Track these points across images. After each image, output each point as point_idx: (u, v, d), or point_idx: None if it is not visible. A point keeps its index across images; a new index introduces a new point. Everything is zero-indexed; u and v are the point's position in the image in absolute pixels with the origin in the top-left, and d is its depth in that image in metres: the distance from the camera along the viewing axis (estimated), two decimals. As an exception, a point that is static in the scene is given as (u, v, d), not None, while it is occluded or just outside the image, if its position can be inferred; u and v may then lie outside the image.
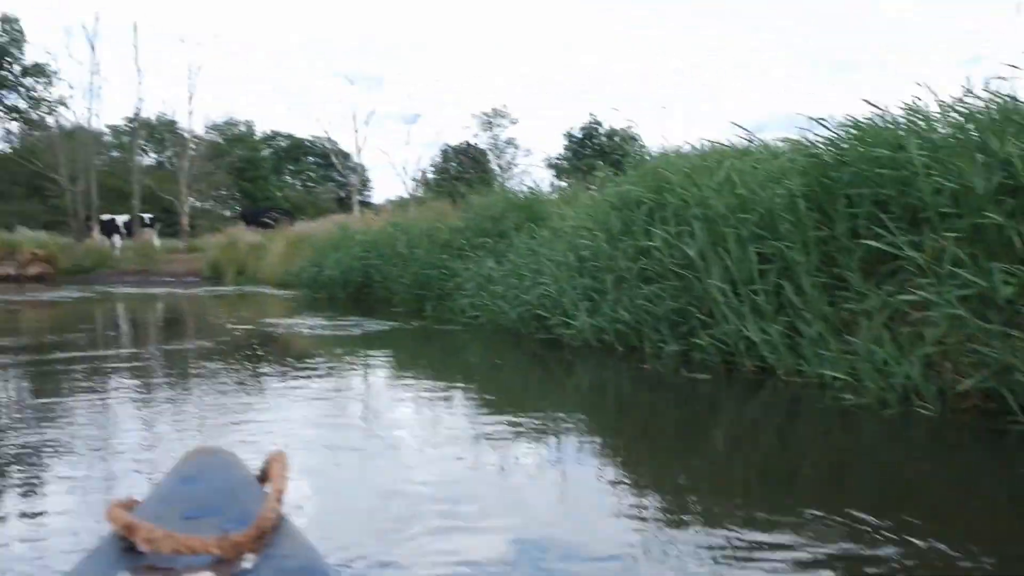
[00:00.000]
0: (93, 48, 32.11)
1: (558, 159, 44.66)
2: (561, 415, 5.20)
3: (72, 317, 15.66)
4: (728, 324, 6.27)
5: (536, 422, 4.85)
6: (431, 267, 12.33)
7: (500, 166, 51.82)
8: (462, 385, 6.55)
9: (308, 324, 11.81)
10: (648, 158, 9.15)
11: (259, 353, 8.77)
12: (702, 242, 6.62)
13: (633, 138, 43.28)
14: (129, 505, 1.31)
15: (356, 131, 35.06)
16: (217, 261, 27.33)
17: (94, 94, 32.18)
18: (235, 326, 11.93)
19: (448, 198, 16.56)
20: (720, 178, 6.79)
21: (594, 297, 8.01)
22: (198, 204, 51.94)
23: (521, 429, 4.62)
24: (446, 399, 5.88)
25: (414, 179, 36.75)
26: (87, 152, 32.49)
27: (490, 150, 54.24)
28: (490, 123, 54.48)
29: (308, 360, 8.20)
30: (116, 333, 11.63)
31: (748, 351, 6.14)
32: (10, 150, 57.25)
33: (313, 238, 19.80)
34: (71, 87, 34.29)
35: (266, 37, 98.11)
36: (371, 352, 8.84)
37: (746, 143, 7.48)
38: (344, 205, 57.05)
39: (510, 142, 54.00)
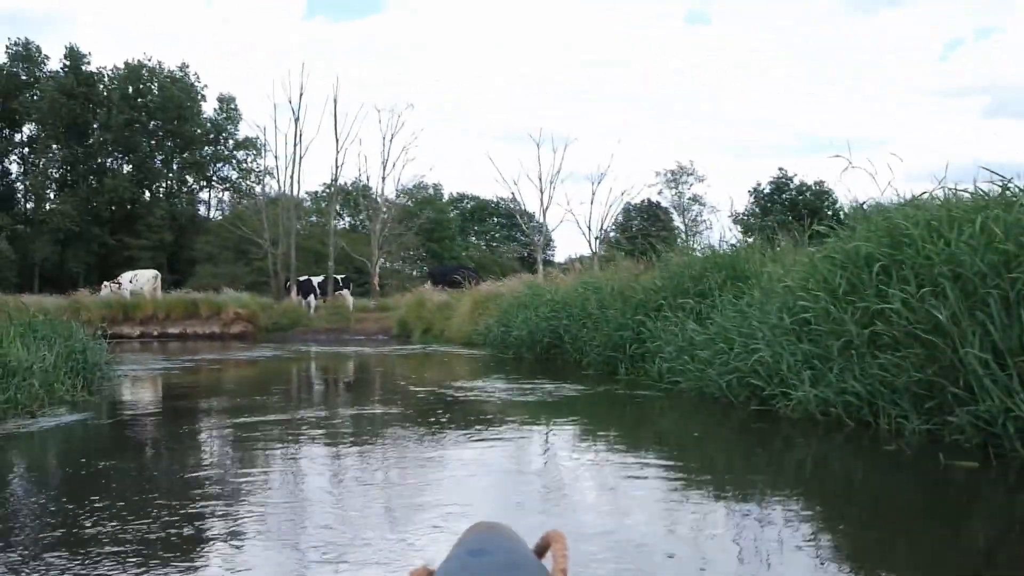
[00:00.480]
0: (297, 120, 33.28)
1: (745, 215, 43.22)
2: (780, 497, 4.38)
3: (268, 377, 15.74)
4: (992, 400, 5.23)
5: (754, 506, 4.04)
6: (625, 328, 11.57)
7: (685, 224, 50.78)
8: (665, 459, 5.81)
9: (495, 387, 11.27)
10: (877, 211, 8.07)
11: (447, 419, 8.26)
12: (955, 305, 5.62)
13: (826, 192, 41.55)
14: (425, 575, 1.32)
15: (541, 191, 34.85)
16: (405, 320, 27.46)
17: (296, 163, 33.07)
18: (422, 388, 11.55)
19: (631, 256, 15.78)
20: (975, 231, 5.77)
21: (817, 365, 7.07)
22: (388, 264, 53.17)
23: (743, 512, 3.83)
24: (646, 474, 5.18)
25: (598, 238, 36.29)
26: (287, 217, 33.58)
27: (674, 207, 53.29)
28: (675, 180, 53.60)
29: (497, 428, 7.64)
30: (309, 395, 11.43)
31: (1020, 433, 5.10)
32: (221, 217, 60.61)
33: (500, 297, 19.42)
34: (275, 156, 35.82)
35: (455, 102, 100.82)
36: (562, 419, 8.20)
37: (1000, 190, 6.40)
38: (527, 264, 57.40)
39: (696, 199, 52.98)
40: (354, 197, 49.93)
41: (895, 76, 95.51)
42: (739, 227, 37.47)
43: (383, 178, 34.41)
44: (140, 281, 31.48)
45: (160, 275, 32.69)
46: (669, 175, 53.63)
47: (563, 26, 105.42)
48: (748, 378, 7.79)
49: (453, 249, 67.84)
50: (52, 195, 61.76)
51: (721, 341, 8.58)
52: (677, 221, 53.38)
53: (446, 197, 74.55)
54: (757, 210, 45.95)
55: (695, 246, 16.20)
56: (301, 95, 33.35)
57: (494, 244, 77.67)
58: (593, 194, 35.56)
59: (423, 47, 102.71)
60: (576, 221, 35.57)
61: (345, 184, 47.22)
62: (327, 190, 35.40)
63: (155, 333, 29.40)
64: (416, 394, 10.85)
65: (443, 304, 25.38)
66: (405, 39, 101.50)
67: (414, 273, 62.66)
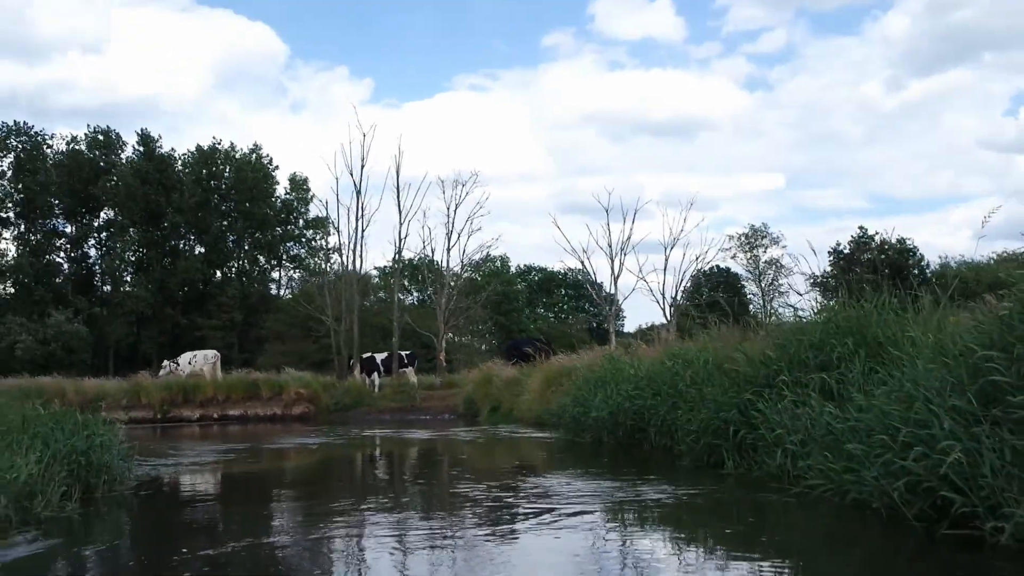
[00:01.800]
0: (358, 193, 31.87)
1: (824, 277, 40.49)
2: None
3: (323, 470, 13.76)
4: None
5: None
6: (728, 409, 9.32)
7: (762, 289, 48.12)
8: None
9: (572, 486, 9.16)
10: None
11: (521, 534, 6.12)
12: None
13: (910, 250, 38.79)
14: None
15: (612, 259, 32.78)
16: (472, 398, 25.43)
17: (359, 237, 31.56)
18: (487, 484, 9.45)
19: (703, 326, 13.57)
20: None
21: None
22: (456, 339, 51.27)
23: None
24: None
25: (672, 306, 34.03)
26: (350, 293, 31.95)
27: (748, 272, 50.66)
28: (749, 244, 51.06)
29: (577, 553, 5.51)
30: (367, 502, 9.32)
31: None
32: (291, 296, 59.63)
33: (574, 372, 17.22)
34: (336, 229, 34.43)
35: (520, 173, 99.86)
36: (665, 534, 6.04)
37: None
38: (597, 335, 55.21)
39: (772, 263, 50.23)
40: (420, 271, 48.45)
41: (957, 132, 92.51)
42: (818, 289, 34.72)
43: (448, 250, 32.67)
44: (199, 362, 29.96)
45: (220, 355, 31.14)
46: (743, 239, 51.11)
47: (624, 94, 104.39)
48: (929, 484, 5.51)
49: (521, 322, 65.91)
50: (128, 277, 61.49)
51: (877, 430, 6.29)
52: (752, 287, 50.82)
53: (513, 270, 72.84)
54: (835, 272, 43.16)
55: (775, 312, 13.94)
56: (363, 166, 31.90)
57: (563, 316, 75.55)
58: (666, 260, 33.40)
59: (487, 122, 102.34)
60: (650, 289, 33.05)
61: (411, 259, 45.86)
62: (393, 266, 33.47)
63: (215, 416, 27.72)
64: (479, 495, 8.80)
65: (512, 380, 23.28)
66: (469, 115, 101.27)
67: (482, 347, 60.77)
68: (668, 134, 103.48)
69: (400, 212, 31.93)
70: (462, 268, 33.16)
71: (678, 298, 34.56)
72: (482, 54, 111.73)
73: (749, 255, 50.39)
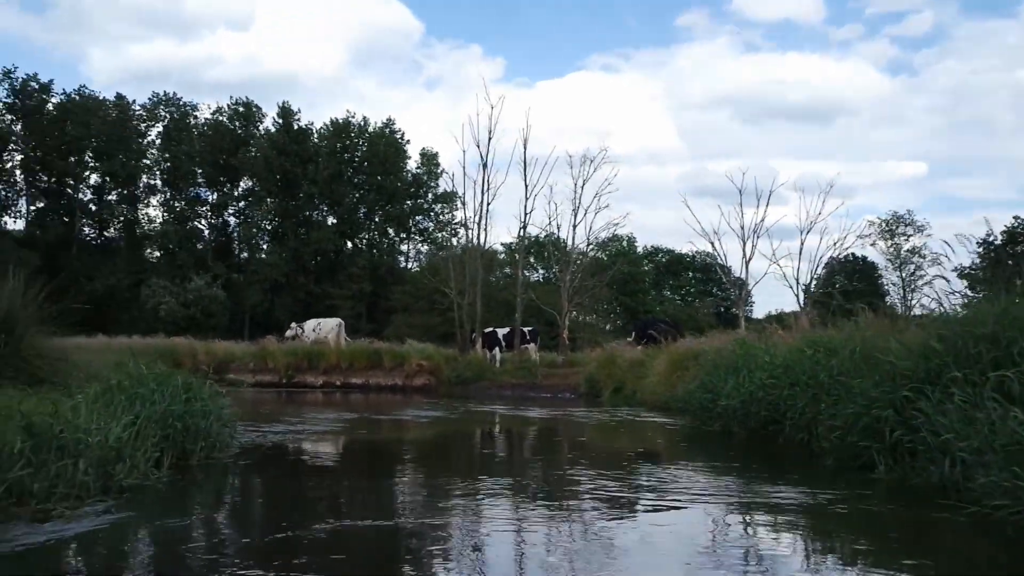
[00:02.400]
0: (485, 166, 31.26)
1: (972, 269, 37.80)
2: None
3: (440, 444, 13.18)
4: None
5: None
6: (882, 406, 8.16)
7: (902, 279, 45.35)
8: None
9: (697, 479, 8.30)
10: None
11: (640, 526, 5.24)
12: None
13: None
14: None
15: (744, 242, 31.31)
16: (595, 377, 24.52)
17: (484, 211, 30.95)
18: (606, 473, 8.59)
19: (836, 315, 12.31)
20: None
21: None
22: (580, 318, 50.38)
23: None
24: None
25: (806, 293, 32.33)
26: (474, 267, 31.42)
27: (889, 260, 47.85)
28: (890, 231, 48.26)
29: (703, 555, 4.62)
30: (477, 479, 8.61)
31: None
32: (418, 269, 59.88)
33: (702, 356, 16.12)
34: (463, 204, 33.78)
35: (650, 154, 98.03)
36: (801, 550, 5.08)
37: None
38: (725, 320, 53.41)
39: (915, 251, 47.25)
40: (546, 248, 47.71)
41: None
42: (965, 281, 32.32)
43: (573, 226, 31.76)
44: (324, 329, 29.99)
45: (344, 323, 31.11)
46: (884, 225, 48.30)
47: (763, 74, 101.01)
48: None
49: (647, 303, 64.61)
50: (264, 245, 62.85)
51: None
52: (892, 276, 48.00)
53: (640, 251, 71.38)
54: (984, 264, 40.17)
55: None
56: (490, 139, 31.22)
57: (690, 299, 73.75)
58: (801, 245, 31.69)
59: (618, 102, 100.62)
60: (783, 274, 31.43)
61: (537, 235, 45.09)
62: (518, 242, 32.73)
63: (338, 383, 27.67)
64: (599, 482, 7.98)
65: (636, 362, 22.27)
66: (601, 95, 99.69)
67: (607, 327, 59.74)
68: (804, 119, 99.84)
69: (527, 187, 31.20)
70: (588, 245, 32.20)
71: (811, 286, 32.82)
72: (616, 33, 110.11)
73: (890, 243, 47.61)
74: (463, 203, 33.53)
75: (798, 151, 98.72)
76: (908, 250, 46.82)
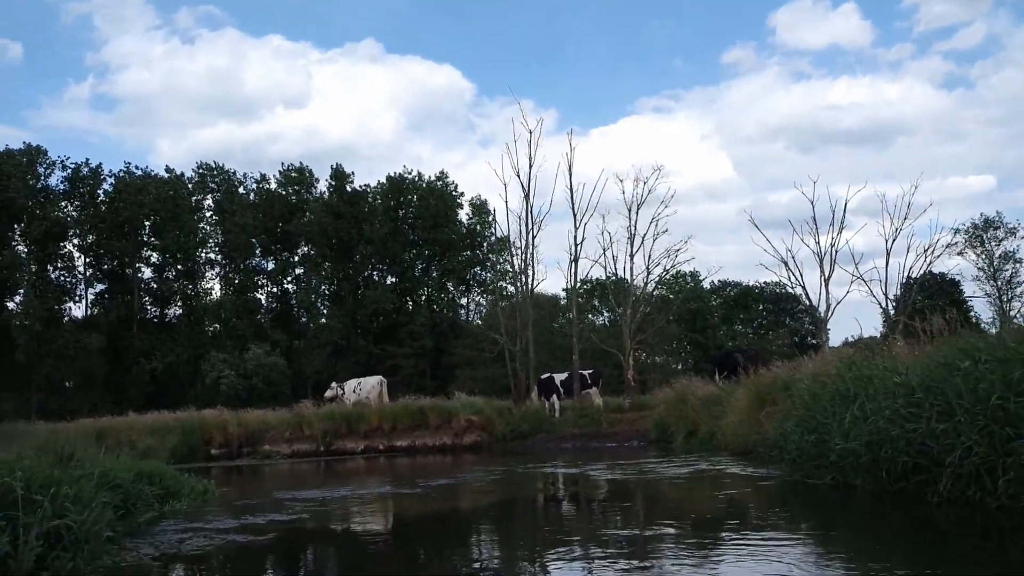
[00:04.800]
0: (527, 197, 27.87)
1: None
2: None
3: (484, 526, 9.63)
4: None
5: None
6: None
7: (998, 286, 40.36)
8: None
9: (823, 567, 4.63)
10: None
11: None
12: None
13: None
14: None
15: (821, 267, 27.42)
16: (664, 421, 20.79)
17: (530, 244, 27.55)
18: (691, 553, 5.03)
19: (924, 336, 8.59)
20: None
21: None
22: (647, 359, 46.53)
23: None
24: None
25: (890, 314, 28.22)
26: (523, 311, 27.91)
27: (981, 269, 42.84)
28: (980, 238, 43.30)
29: None
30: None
31: None
32: (479, 322, 56.65)
33: (795, 385, 12.30)
34: (509, 242, 30.50)
35: (707, 192, 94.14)
36: None
37: None
38: (802, 350, 48.73)
39: (1008, 256, 42.19)
40: (607, 289, 44.04)
41: None
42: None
43: (631, 255, 28.02)
44: (364, 389, 26.71)
45: (386, 381, 27.75)
46: (971, 231, 43.38)
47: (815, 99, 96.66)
48: None
49: (717, 339, 60.26)
50: (324, 310, 60.31)
51: None
52: (982, 287, 42.97)
53: (706, 286, 67.04)
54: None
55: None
56: (531, 165, 27.91)
57: (762, 331, 68.96)
58: (887, 261, 27.67)
59: (672, 143, 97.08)
60: (870, 292, 27.46)
61: (598, 279, 41.55)
62: (569, 269, 28.92)
63: (380, 447, 24.33)
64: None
65: (710, 399, 18.50)
66: (654, 137, 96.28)
67: (678, 367, 55.60)
68: (862, 141, 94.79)
69: (574, 215, 27.73)
70: (647, 273, 28.37)
71: (890, 307, 28.75)
72: (664, 76, 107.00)
73: (979, 250, 42.54)
74: (507, 240, 30.12)
75: (858, 175, 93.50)
76: (1001, 256, 41.87)
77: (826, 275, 27.80)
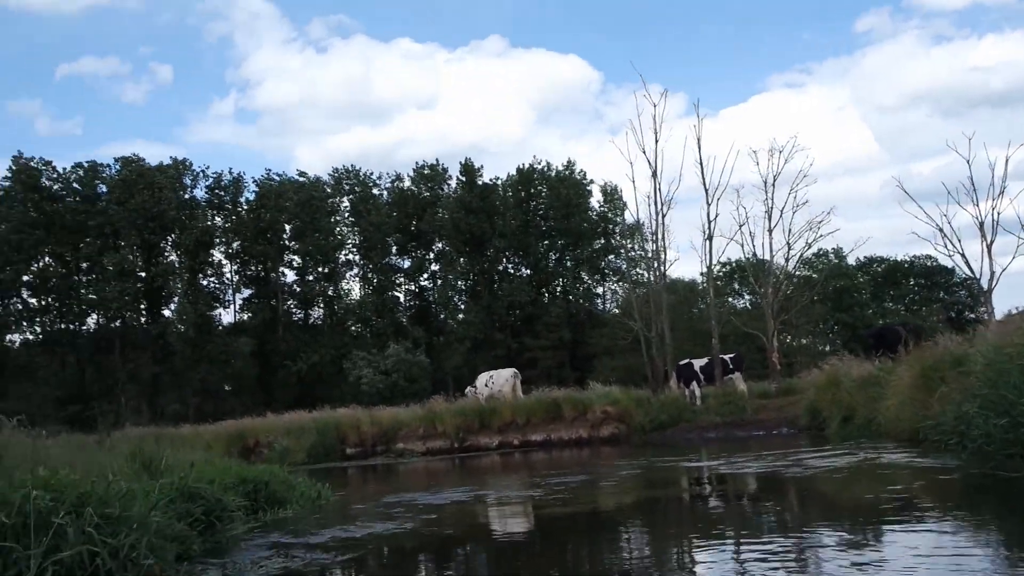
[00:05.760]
0: (654, 175, 26.27)
1: None
2: None
3: (624, 533, 8.42)
4: None
5: None
6: None
7: None
8: None
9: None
10: None
11: None
12: None
13: None
14: None
15: (983, 235, 24.70)
16: (816, 406, 18.96)
17: (661, 225, 25.94)
18: None
19: None
20: None
21: None
22: (792, 341, 44.09)
23: None
24: None
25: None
26: (656, 294, 26.37)
27: None
28: None
29: None
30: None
31: None
32: (617, 310, 55.15)
33: (968, 361, 10.49)
34: (638, 224, 28.92)
35: (847, 166, 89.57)
36: None
37: None
38: (957, 326, 44.98)
39: None
40: (749, 270, 41.80)
41: None
42: None
43: (769, 230, 26.05)
44: (497, 382, 25.71)
45: (519, 373, 26.70)
46: None
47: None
48: None
49: (867, 318, 56.73)
50: (461, 305, 60.10)
51: None
52: None
53: (852, 263, 63.32)
54: None
55: None
56: (656, 141, 26.28)
57: (914, 307, 64.70)
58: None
59: (807, 118, 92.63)
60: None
61: (740, 259, 39.35)
62: (721, 268, 27.09)
63: (515, 442, 23.33)
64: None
65: (867, 379, 16.59)
66: (787, 113, 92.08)
67: (825, 348, 52.60)
68: (1012, 102, 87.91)
69: (706, 190, 25.93)
70: (788, 249, 26.28)
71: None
72: (794, 50, 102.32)
73: None
74: (638, 224, 28.58)
75: (1010, 137, 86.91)
76: None
77: (988, 242, 25.04)
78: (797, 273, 35.06)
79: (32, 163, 53.36)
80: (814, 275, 47.77)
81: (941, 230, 25.52)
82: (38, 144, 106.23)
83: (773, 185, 26.00)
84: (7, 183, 52.61)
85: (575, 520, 8.63)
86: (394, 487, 14.51)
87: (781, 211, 25.91)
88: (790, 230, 26.05)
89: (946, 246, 25.59)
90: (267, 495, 10.06)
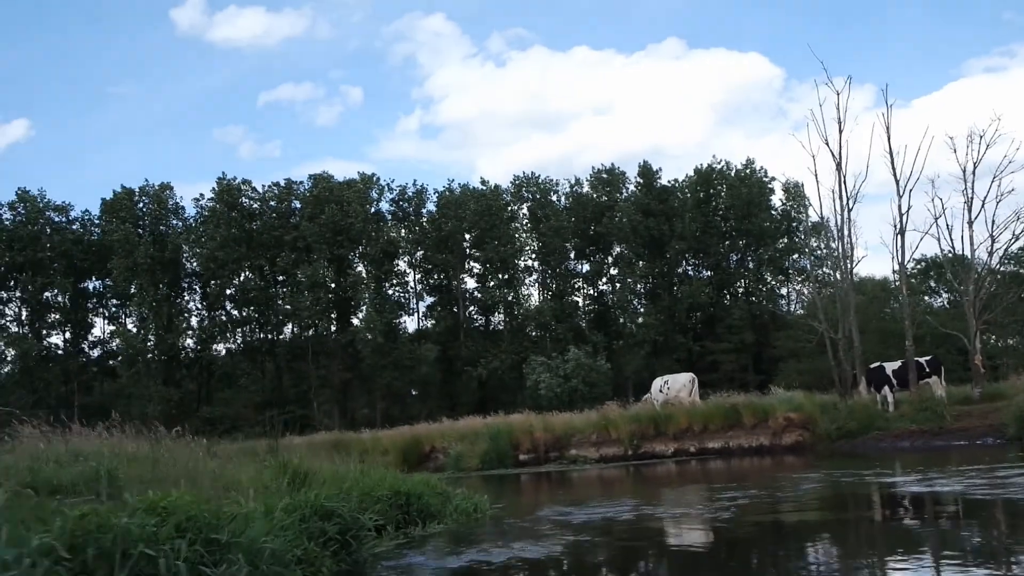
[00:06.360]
0: (839, 167, 24.52)
1: None
2: None
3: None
4: None
5: None
6: None
7: None
8: None
9: None
10: None
11: None
12: None
13: None
14: None
15: None
16: (1027, 414, 16.96)
17: (846, 219, 24.20)
18: None
19: None
20: None
21: None
22: (998, 341, 40.43)
23: None
24: None
25: None
26: (844, 293, 24.55)
27: None
28: None
29: None
30: None
31: None
32: (802, 312, 52.53)
33: None
34: (818, 214, 27.00)
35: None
36: None
37: None
38: None
39: None
40: (942, 263, 38.61)
41: None
42: None
43: (969, 223, 23.70)
44: (673, 388, 24.72)
45: (696, 378, 25.54)
46: None
47: None
48: None
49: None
50: (641, 308, 58.94)
51: None
52: None
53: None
54: None
55: None
56: (840, 131, 24.54)
57: None
58: None
59: (1011, 102, 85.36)
60: None
61: (934, 256, 36.38)
62: (894, 240, 24.75)
63: (691, 449, 22.31)
64: None
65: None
66: (988, 100, 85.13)
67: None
68: None
69: (897, 181, 23.90)
70: (992, 242, 23.78)
71: None
72: (993, 32, 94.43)
73: None
74: (821, 220, 26.80)
75: None
76: None
77: None
78: (1002, 268, 32.01)
79: (233, 183, 56.58)
80: (1022, 270, 43.73)
81: None
82: (241, 167, 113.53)
83: (973, 174, 23.62)
84: (212, 203, 56.03)
85: (744, 543, 7.74)
86: (558, 498, 13.94)
87: (983, 201, 23.53)
88: (993, 221, 23.60)
89: None
90: (419, 508, 9.71)
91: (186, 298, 58.08)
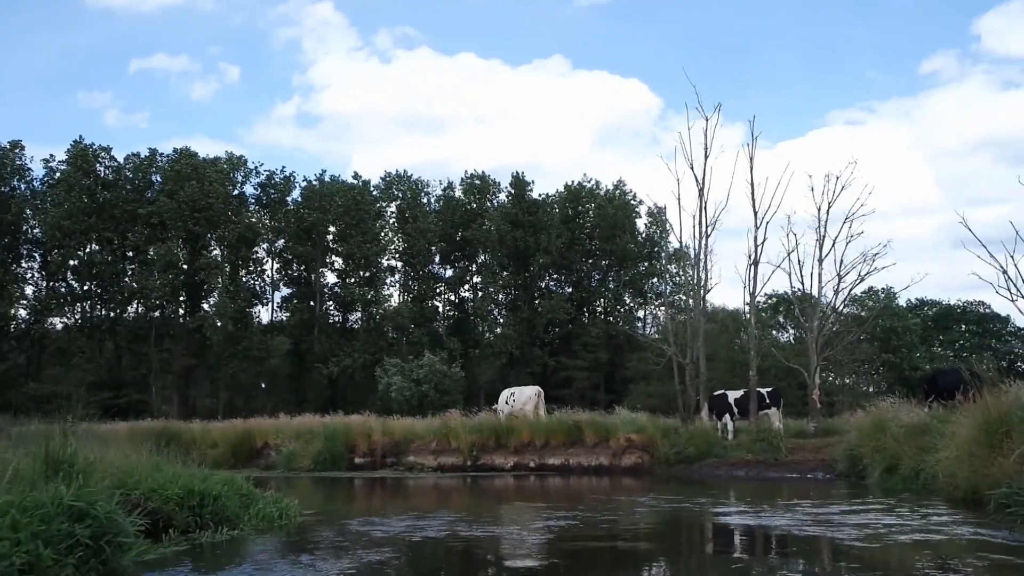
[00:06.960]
0: (701, 192, 24.52)
1: None
2: None
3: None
4: None
5: None
6: None
7: None
8: None
9: None
10: None
11: None
12: None
13: None
14: None
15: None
16: (856, 451, 17.07)
17: (703, 246, 24.22)
18: None
19: None
20: None
21: None
22: (836, 380, 41.87)
23: None
24: None
25: None
26: (694, 319, 24.55)
27: None
28: None
29: None
30: None
31: None
32: (656, 335, 53.21)
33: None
34: (680, 242, 27.28)
35: (905, 207, 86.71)
36: None
37: None
38: (1009, 376, 42.05)
39: None
40: (794, 303, 39.68)
41: None
42: None
43: (819, 260, 24.07)
44: (519, 400, 24.12)
45: (542, 392, 25.04)
46: None
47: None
48: None
49: (914, 360, 54.10)
50: (500, 319, 58.50)
51: None
52: None
53: (903, 304, 60.62)
54: None
55: None
56: (706, 156, 24.56)
57: (963, 354, 61.72)
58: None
59: (866, 157, 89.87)
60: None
61: (784, 293, 37.34)
62: (748, 269, 24.87)
63: (531, 464, 21.69)
64: None
65: (917, 428, 14.74)
66: (845, 150, 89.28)
67: (869, 389, 50.11)
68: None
69: (755, 212, 24.10)
70: (839, 280, 24.23)
71: None
72: (857, 87, 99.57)
73: None
74: (681, 245, 26.80)
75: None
76: None
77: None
78: (845, 309, 32.95)
79: (90, 148, 52.98)
80: (863, 312, 45.52)
81: (1005, 272, 23.37)
82: (105, 134, 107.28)
83: (828, 213, 23.99)
84: (65, 167, 52.31)
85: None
86: (378, 508, 12.98)
87: (834, 241, 23.95)
88: (842, 261, 24.06)
89: (1008, 289, 23.41)
90: (214, 511, 8.58)
91: (24, 265, 54.05)
